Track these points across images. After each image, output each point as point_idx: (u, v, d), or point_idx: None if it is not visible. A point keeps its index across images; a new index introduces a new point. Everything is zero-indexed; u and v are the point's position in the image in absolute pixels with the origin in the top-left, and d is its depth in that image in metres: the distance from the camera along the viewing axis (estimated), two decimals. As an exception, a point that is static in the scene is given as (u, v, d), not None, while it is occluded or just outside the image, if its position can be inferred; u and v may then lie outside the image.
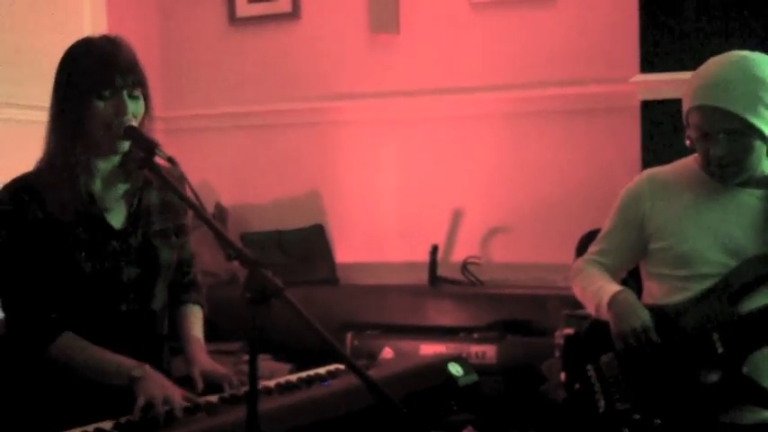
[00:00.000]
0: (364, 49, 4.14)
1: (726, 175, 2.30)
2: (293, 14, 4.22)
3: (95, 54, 2.06)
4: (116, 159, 2.11)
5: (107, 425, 1.81)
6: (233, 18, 4.32)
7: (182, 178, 1.93)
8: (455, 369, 2.16)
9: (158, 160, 1.94)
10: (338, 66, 4.16)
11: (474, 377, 2.19)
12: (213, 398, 1.98)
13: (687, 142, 2.34)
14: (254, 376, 1.59)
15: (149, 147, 1.94)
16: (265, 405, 1.65)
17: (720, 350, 2.23)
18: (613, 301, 2.33)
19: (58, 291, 2.05)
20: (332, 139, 4.16)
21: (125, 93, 2.04)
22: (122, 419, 1.84)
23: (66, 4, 3.68)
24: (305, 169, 4.21)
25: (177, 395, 1.90)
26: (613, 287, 2.37)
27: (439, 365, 2.19)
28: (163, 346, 2.24)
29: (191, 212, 2.24)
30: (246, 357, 3.65)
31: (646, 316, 2.28)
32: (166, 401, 1.87)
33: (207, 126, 4.33)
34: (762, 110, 2.20)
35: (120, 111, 2.02)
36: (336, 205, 4.17)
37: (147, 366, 1.98)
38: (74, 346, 2.03)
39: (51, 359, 2.03)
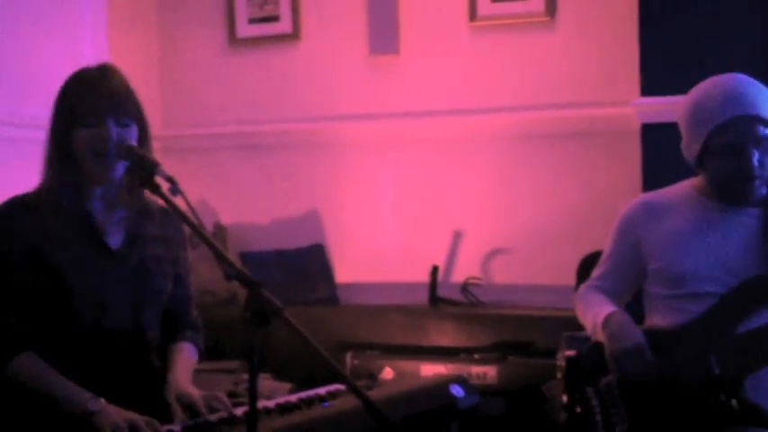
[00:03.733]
0: (364, 70, 4.15)
1: (749, 191, 2.32)
2: (293, 35, 4.23)
3: (82, 83, 2.09)
4: (115, 185, 2.12)
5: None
6: (233, 38, 4.33)
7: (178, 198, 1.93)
8: (456, 390, 2.15)
9: (158, 180, 1.95)
10: (338, 86, 4.17)
11: (475, 398, 2.18)
12: (213, 417, 1.97)
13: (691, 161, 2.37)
14: (254, 396, 1.59)
15: (150, 167, 1.94)
16: (265, 425, 1.64)
17: (717, 371, 2.22)
18: (607, 321, 2.35)
19: (43, 307, 2.04)
20: (332, 160, 4.16)
21: (110, 120, 2.04)
22: None
23: (67, 24, 3.68)
24: (305, 189, 4.20)
25: (141, 421, 1.88)
26: (608, 309, 2.38)
27: (440, 386, 2.18)
28: (156, 378, 2.19)
29: (190, 249, 2.27)
30: (246, 376, 3.67)
31: (639, 336, 2.29)
32: (133, 428, 1.86)
33: (206, 146, 4.32)
34: None
35: (103, 138, 2.03)
36: (336, 225, 4.16)
37: (103, 400, 1.95)
38: (32, 367, 2.01)
39: (11, 376, 2.01)
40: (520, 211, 3.89)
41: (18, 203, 2.08)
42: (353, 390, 1.55)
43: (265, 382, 3.47)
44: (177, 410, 2.02)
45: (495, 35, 3.95)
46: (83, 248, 2.07)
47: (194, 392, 2.06)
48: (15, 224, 2.04)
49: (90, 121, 2.04)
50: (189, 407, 2.04)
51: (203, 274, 3.99)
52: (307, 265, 4.05)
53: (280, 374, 3.53)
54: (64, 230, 2.05)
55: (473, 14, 3.95)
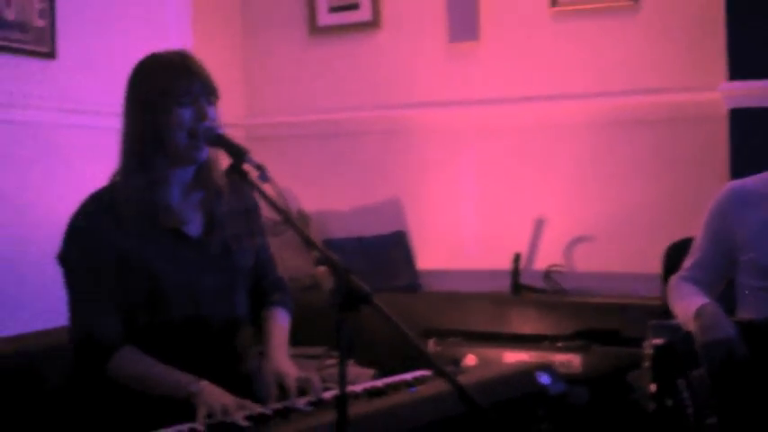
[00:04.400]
0: (444, 58, 4.14)
1: None
2: (373, 23, 4.25)
3: (169, 65, 2.10)
4: (193, 168, 2.13)
5: (200, 426, 1.84)
6: (314, 27, 4.36)
7: (260, 184, 1.94)
8: (543, 378, 2.14)
9: (246, 167, 1.97)
10: (418, 74, 4.17)
11: (562, 386, 2.16)
12: (302, 401, 1.99)
13: None
14: (343, 381, 1.60)
15: (239, 154, 1.96)
16: (354, 410, 1.65)
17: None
18: (699, 313, 2.31)
19: (136, 303, 2.07)
20: (413, 147, 4.17)
21: (203, 99, 2.07)
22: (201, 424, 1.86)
23: (153, 16, 3.75)
24: (386, 176, 4.22)
25: (233, 405, 1.90)
26: (700, 300, 2.34)
27: (527, 374, 2.17)
28: (245, 354, 2.24)
29: (268, 216, 2.27)
30: (330, 361, 3.70)
31: (730, 328, 2.25)
32: (224, 411, 1.88)
33: (288, 134, 4.37)
34: None
35: (201, 116, 2.05)
36: (418, 212, 4.17)
37: (204, 381, 1.98)
38: (133, 360, 2.05)
39: (112, 372, 2.05)
40: (603, 197, 3.84)
41: (98, 201, 2.09)
42: (443, 375, 1.55)
43: (349, 367, 3.49)
44: (273, 390, 2.04)
45: (576, 20, 3.90)
46: (167, 243, 2.09)
47: (290, 372, 2.07)
48: (100, 223, 2.05)
49: (185, 101, 2.04)
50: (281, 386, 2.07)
51: (287, 260, 4.04)
52: (388, 253, 4.07)
53: (362, 360, 3.56)
54: (146, 226, 2.07)
55: (554, 0, 3.90)
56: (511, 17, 4.00)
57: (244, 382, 2.14)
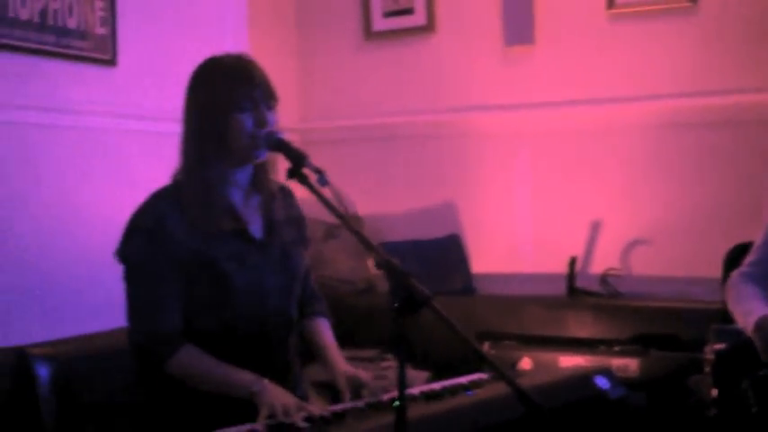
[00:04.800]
0: (499, 61, 4.12)
1: None
2: (428, 28, 4.25)
3: (230, 70, 2.12)
4: (250, 171, 2.16)
5: (259, 426, 1.86)
6: (368, 32, 4.38)
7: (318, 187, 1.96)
8: (602, 382, 2.12)
9: (306, 171, 1.99)
10: (473, 78, 4.16)
11: (622, 391, 2.15)
12: (360, 403, 2.00)
13: None
14: (402, 384, 1.60)
15: (299, 158, 1.98)
16: (411, 413, 1.65)
17: None
18: (759, 325, 2.27)
19: (201, 302, 2.09)
20: (468, 151, 4.16)
21: (263, 105, 2.09)
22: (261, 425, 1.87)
23: (210, 23, 3.80)
24: (441, 180, 4.22)
25: (294, 406, 1.92)
26: (760, 308, 2.30)
27: (585, 378, 2.15)
28: (294, 356, 2.26)
29: (334, 225, 2.30)
30: (384, 364, 3.69)
31: None
32: (286, 412, 1.90)
33: (343, 138, 4.39)
34: None
35: (261, 122, 2.07)
36: (473, 215, 4.16)
37: (266, 381, 2.00)
38: (195, 359, 2.06)
39: (173, 370, 2.06)
40: (661, 201, 3.79)
41: (165, 198, 2.11)
42: (504, 378, 1.55)
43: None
44: (345, 390, 2.07)
45: (634, 23, 3.86)
46: (233, 242, 2.10)
47: (362, 374, 2.11)
48: (166, 220, 2.07)
49: (245, 106, 2.07)
50: (330, 387, 2.10)
51: (341, 263, 4.06)
52: (443, 256, 4.06)
53: (416, 363, 3.56)
54: (210, 225, 2.08)
55: (611, 2, 3.87)
56: (567, 20, 3.97)
57: (294, 385, 2.17)
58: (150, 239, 2.07)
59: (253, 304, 2.11)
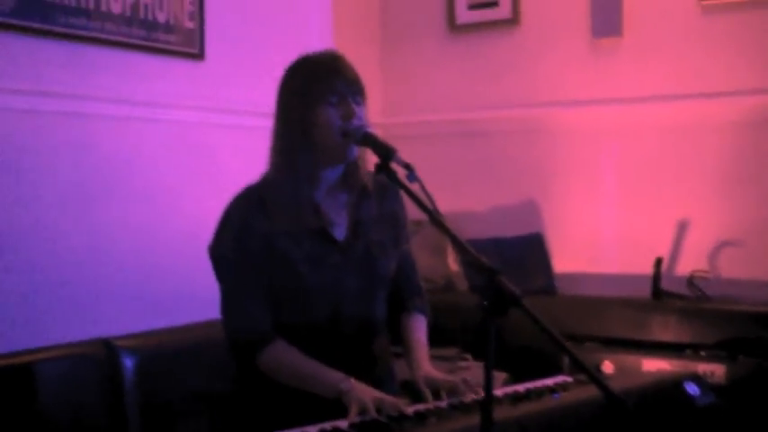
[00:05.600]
0: (586, 55, 4.05)
1: None
2: (513, 20, 4.20)
3: (319, 65, 2.12)
4: (340, 168, 2.15)
5: (342, 424, 1.85)
6: (453, 25, 4.35)
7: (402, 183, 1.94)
8: (692, 388, 2.06)
9: (394, 166, 1.97)
10: (558, 72, 4.10)
11: (711, 397, 2.09)
12: (442, 404, 1.98)
13: None
14: (489, 384, 1.58)
15: (387, 153, 1.97)
16: (497, 414, 1.63)
17: None
18: None
19: (278, 300, 2.09)
20: (552, 147, 4.10)
21: (351, 99, 2.08)
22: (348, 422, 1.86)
23: (295, 14, 3.82)
24: (524, 177, 4.16)
25: (388, 402, 1.91)
26: None
27: (674, 383, 2.10)
28: (381, 358, 2.24)
29: (422, 221, 2.27)
30: (462, 363, 3.67)
31: None
32: (378, 408, 1.89)
33: (426, 133, 4.36)
34: None
35: (349, 116, 2.06)
36: (555, 214, 4.10)
37: (353, 380, 1.99)
38: (284, 356, 2.07)
39: (262, 366, 2.08)
40: (752, 200, 3.67)
41: (250, 196, 2.12)
42: (595, 380, 1.51)
43: (480, 371, 3.47)
44: (425, 391, 2.03)
45: (727, 14, 3.74)
46: (313, 243, 2.10)
47: (440, 377, 2.07)
48: (251, 218, 2.08)
49: (333, 100, 2.06)
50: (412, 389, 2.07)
51: (421, 260, 4.02)
52: (524, 255, 4.01)
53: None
54: (294, 224, 2.08)
55: (703, -7, 3.77)
56: (656, 11, 3.87)
57: (376, 386, 2.12)
58: (236, 237, 2.09)
59: (327, 306, 2.10)
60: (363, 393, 1.94)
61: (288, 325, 2.10)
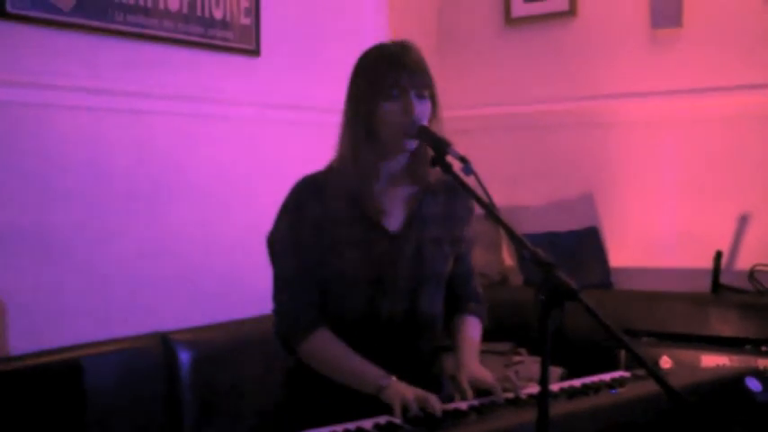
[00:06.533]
0: (644, 46, 3.99)
1: None
2: (570, 12, 4.15)
3: (384, 57, 2.11)
4: (403, 161, 2.14)
5: (396, 420, 1.85)
6: (508, 18, 4.32)
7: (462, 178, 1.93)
8: (753, 383, 2.03)
9: (450, 159, 1.96)
10: (616, 64, 4.05)
11: (774, 394, 2.05)
12: (499, 400, 1.97)
13: None
14: (545, 379, 1.57)
15: (442, 146, 1.96)
16: (554, 410, 1.62)
17: None
18: None
19: (325, 288, 2.10)
20: (608, 140, 4.05)
21: (412, 93, 2.07)
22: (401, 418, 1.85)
23: (350, 10, 3.83)
24: (580, 170, 4.12)
25: (432, 398, 1.89)
26: None
27: (735, 378, 2.07)
28: (431, 356, 2.23)
29: (478, 216, 2.26)
30: (517, 358, 3.64)
31: None
32: (421, 403, 1.88)
33: (482, 126, 4.34)
34: None
35: (408, 110, 2.05)
36: (611, 208, 4.05)
37: (394, 377, 1.98)
38: (327, 345, 2.07)
39: (304, 354, 2.09)
40: (816, 193, 3.61)
41: (309, 183, 2.14)
42: (654, 375, 1.49)
43: (535, 366, 3.45)
44: (468, 390, 2.01)
45: (789, 5, 3.66)
46: (363, 230, 2.10)
47: (488, 377, 2.05)
48: (305, 204, 2.10)
49: (393, 94, 2.06)
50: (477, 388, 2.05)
51: (476, 255, 4.02)
52: (580, 248, 3.98)
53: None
54: (346, 212, 2.09)
55: (767, -18, 3.69)
56: (717, 1, 3.80)
57: (429, 384, 2.11)
58: (290, 223, 2.11)
59: (370, 294, 2.10)
60: (405, 390, 1.92)
61: (332, 314, 2.11)
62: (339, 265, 2.08)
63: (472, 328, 2.26)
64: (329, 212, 2.09)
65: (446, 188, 2.22)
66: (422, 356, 2.19)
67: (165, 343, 2.71)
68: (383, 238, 2.12)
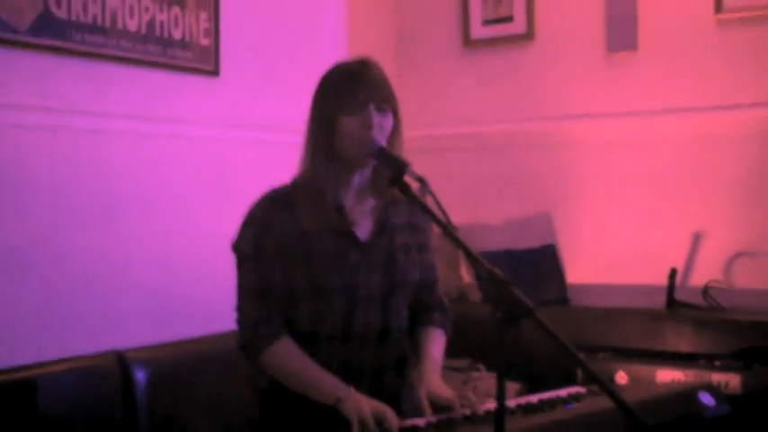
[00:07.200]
0: (601, 69, 4.06)
1: None
2: (528, 35, 4.21)
3: (344, 73, 2.14)
4: (368, 174, 2.16)
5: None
6: (467, 40, 4.37)
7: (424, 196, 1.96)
8: (706, 398, 2.07)
9: (408, 179, 1.98)
10: (573, 85, 4.11)
11: (727, 408, 2.09)
12: (457, 416, 1.98)
13: None
14: (502, 395, 1.59)
15: (399, 167, 1.98)
16: (510, 426, 1.64)
17: None
18: None
19: (295, 301, 2.11)
20: (566, 160, 4.11)
21: (372, 106, 2.09)
22: None
23: (309, 31, 3.85)
24: (537, 189, 4.18)
25: (389, 413, 1.91)
26: None
27: (687, 394, 2.10)
28: (396, 368, 2.23)
29: (435, 233, 2.28)
30: (475, 374, 3.66)
31: None
32: (379, 421, 1.89)
33: (438, 146, 4.38)
34: None
35: (366, 124, 2.07)
36: (569, 226, 4.10)
37: (352, 388, 2.00)
38: (288, 355, 2.08)
39: (265, 364, 2.09)
40: (766, 212, 3.67)
41: (278, 196, 2.15)
42: (609, 392, 1.52)
43: (493, 381, 3.47)
44: (426, 407, 2.02)
45: (742, 28, 3.74)
46: (334, 241, 2.11)
47: (447, 393, 2.05)
48: (272, 217, 2.11)
49: (353, 108, 2.08)
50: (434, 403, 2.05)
51: (435, 272, 4.06)
52: (538, 266, 4.02)
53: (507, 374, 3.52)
54: (316, 223, 2.10)
55: (719, 6, 3.76)
56: (672, 25, 3.89)
57: (389, 395, 2.12)
58: (256, 234, 2.11)
59: (343, 305, 2.10)
60: (361, 404, 1.93)
61: (303, 327, 2.11)
62: (311, 275, 2.09)
63: (435, 343, 2.26)
64: (299, 225, 2.10)
65: (406, 200, 2.23)
66: (390, 369, 2.20)
67: (120, 361, 2.68)
68: (354, 247, 2.13)
